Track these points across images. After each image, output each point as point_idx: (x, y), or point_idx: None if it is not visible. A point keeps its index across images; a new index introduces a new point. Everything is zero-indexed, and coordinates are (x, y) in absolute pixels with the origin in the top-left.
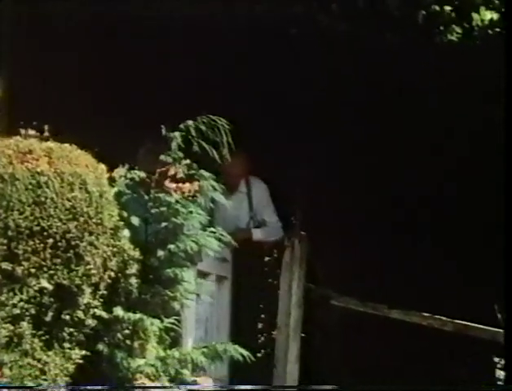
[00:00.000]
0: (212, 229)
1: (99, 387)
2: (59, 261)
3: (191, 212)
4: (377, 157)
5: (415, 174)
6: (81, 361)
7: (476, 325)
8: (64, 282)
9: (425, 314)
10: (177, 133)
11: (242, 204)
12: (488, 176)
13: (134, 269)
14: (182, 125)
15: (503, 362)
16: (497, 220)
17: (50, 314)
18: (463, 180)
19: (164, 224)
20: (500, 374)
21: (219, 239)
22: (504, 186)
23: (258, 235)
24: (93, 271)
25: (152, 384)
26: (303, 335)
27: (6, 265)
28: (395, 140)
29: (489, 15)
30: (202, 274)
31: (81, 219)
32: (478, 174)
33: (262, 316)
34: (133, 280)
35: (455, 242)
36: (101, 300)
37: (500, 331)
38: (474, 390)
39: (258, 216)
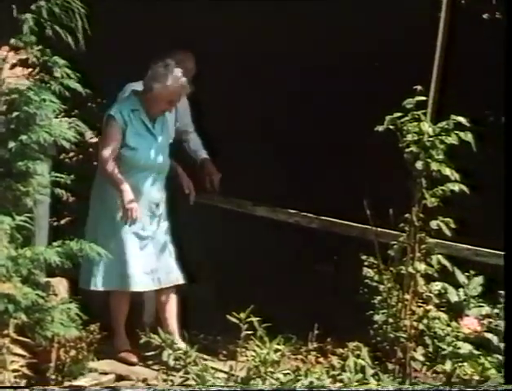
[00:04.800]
0: (67, 119)
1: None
2: None
3: (44, 100)
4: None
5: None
6: None
7: (344, 221)
8: None
9: (292, 211)
10: (28, 15)
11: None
12: None
13: None
14: (33, 6)
15: (371, 259)
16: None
17: None
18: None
19: (15, 113)
20: (368, 271)
21: (75, 129)
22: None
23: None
24: None
25: None
26: None
27: None
28: None
29: None
30: None
31: None
32: None
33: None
34: None
35: (325, 139)
36: None
37: (369, 227)
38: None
39: (181, 126)
